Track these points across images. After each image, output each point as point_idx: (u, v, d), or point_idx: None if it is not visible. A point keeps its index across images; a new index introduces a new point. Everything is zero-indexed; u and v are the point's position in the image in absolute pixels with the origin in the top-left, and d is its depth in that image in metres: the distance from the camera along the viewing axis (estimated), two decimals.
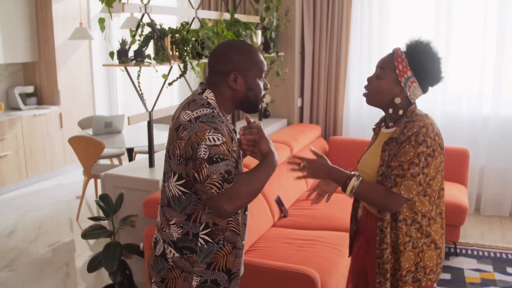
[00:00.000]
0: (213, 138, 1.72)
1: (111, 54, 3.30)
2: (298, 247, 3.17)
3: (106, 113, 7.50)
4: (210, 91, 1.87)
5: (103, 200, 3.18)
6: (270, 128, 4.98)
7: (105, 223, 3.57)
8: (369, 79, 2.07)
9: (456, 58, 5.04)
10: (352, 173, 2.04)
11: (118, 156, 5.83)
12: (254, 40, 4.72)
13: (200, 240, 1.86)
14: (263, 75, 1.93)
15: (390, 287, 2.07)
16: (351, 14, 5.22)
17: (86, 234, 3.13)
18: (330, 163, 2.08)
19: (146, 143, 4.97)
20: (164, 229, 1.91)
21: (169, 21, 5.53)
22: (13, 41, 6.08)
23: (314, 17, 5.31)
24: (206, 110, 1.79)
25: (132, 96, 6.72)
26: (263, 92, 1.93)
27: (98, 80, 7.30)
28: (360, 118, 5.48)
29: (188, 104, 1.83)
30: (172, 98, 6.75)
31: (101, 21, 3.27)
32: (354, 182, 1.98)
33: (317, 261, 3.00)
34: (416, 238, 2.02)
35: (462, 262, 4.02)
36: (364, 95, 2.10)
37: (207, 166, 1.71)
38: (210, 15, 4.23)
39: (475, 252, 4.21)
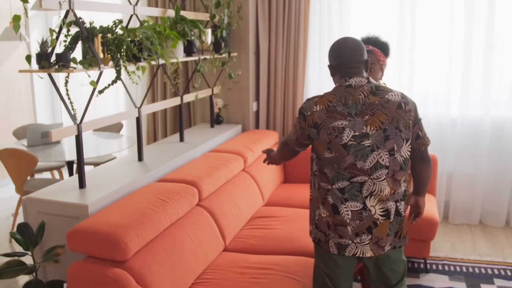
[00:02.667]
0: None
1: (28, 58, 2.81)
2: (251, 278, 2.75)
3: (49, 121, 6.91)
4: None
5: (21, 231, 2.69)
6: (223, 135, 4.54)
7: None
8: None
9: (421, 58, 4.72)
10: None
11: (58, 168, 5.30)
12: (204, 40, 4.29)
13: None
14: None
15: None
16: (309, 11, 4.83)
17: (1, 273, 2.63)
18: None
19: (88, 154, 4.49)
20: (397, 191, 2.28)
21: (108, 20, 5.04)
22: None
23: (270, 13, 4.90)
24: None
25: (77, 103, 6.17)
26: None
27: (39, 85, 6.71)
28: None
29: (379, 89, 2.25)
30: (118, 105, 6.24)
31: (16, 18, 2.80)
32: None
33: None
34: None
35: (433, 280, 3.68)
36: None
37: (423, 125, 2.42)
38: (152, 12, 3.76)
39: (446, 267, 3.89)
